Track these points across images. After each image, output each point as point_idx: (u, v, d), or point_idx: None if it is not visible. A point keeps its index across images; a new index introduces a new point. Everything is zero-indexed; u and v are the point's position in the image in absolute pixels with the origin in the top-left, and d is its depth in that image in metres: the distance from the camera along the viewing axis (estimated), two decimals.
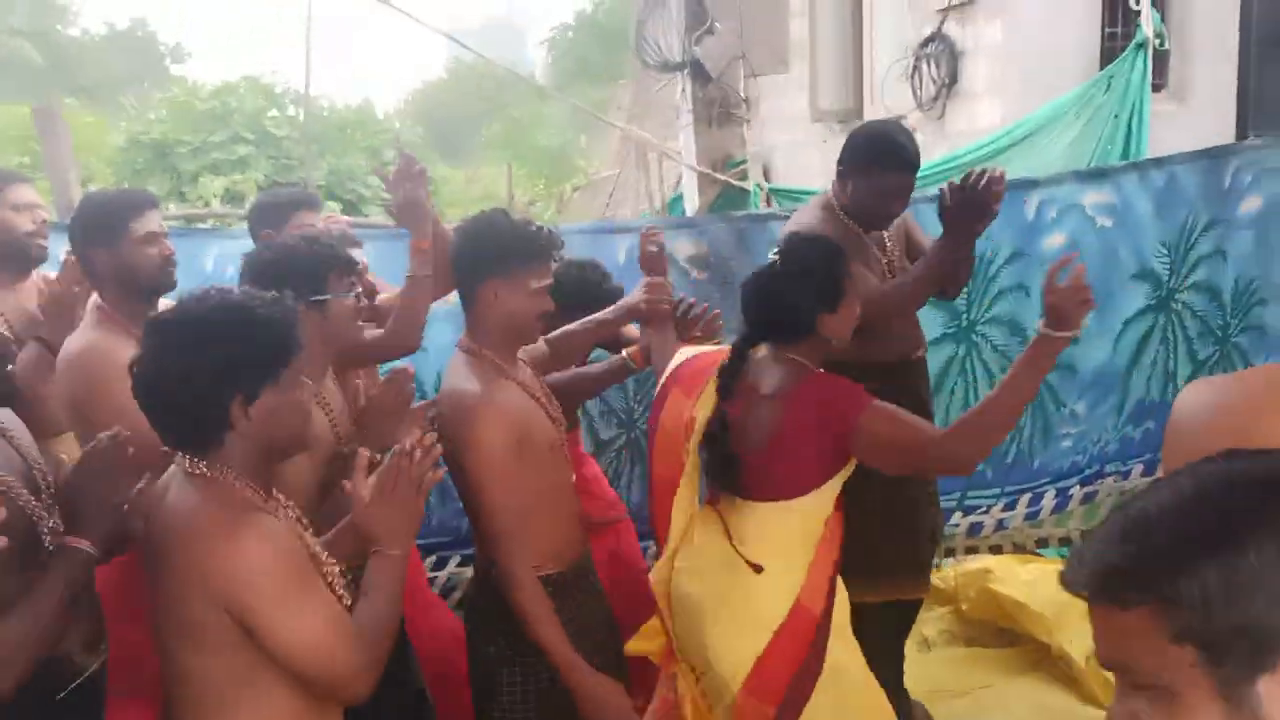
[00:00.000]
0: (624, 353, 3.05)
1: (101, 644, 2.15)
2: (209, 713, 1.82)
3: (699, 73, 3.82)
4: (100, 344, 2.62)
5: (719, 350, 2.77)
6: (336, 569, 1.91)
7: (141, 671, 2.54)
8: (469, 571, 3.57)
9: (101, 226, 2.70)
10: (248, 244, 3.70)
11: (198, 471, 1.82)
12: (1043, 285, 2.33)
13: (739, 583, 2.53)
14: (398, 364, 2.68)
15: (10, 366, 2.01)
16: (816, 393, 2.51)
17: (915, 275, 3.09)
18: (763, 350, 2.63)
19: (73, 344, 2.65)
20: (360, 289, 2.65)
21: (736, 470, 2.54)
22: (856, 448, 2.47)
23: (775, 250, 2.65)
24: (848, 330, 2.60)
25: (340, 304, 2.46)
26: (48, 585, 1.86)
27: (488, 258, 2.48)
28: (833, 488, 2.54)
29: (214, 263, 3.72)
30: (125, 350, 2.57)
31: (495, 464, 2.38)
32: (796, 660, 2.50)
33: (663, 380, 2.81)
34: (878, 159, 3.04)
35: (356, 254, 2.89)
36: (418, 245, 2.77)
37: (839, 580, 2.64)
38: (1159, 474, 4.12)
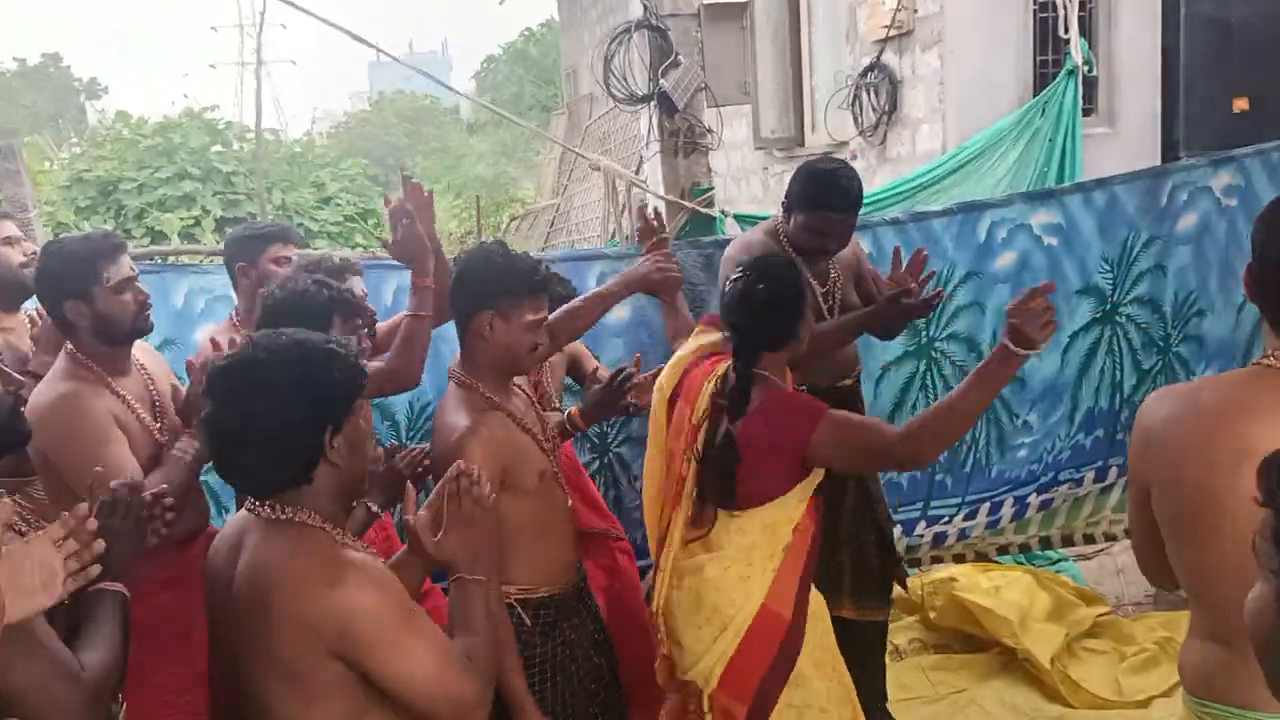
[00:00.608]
0: (564, 414, 3.10)
1: (119, 699, 2.10)
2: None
3: (665, 104, 3.94)
4: (75, 396, 2.56)
5: (719, 355, 2.86)
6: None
7: None
8: None
9: (72, 277, 2.60)
10: (216, 279, 3.74)
11: (282, 518, 1.83)
12: (1006, 306, 2.43)
13: (709, 586, 2.65)
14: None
15: (22, 408, 2.01)
16: (773, 409, 2.62)
17: (842, 326, 3.28)
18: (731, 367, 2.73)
19: (44, 395, 2.57)
20: (364, 326, 2.71)
21: (732, 485, 2.64)
22: (815, 459, 2.61)
23: (737, 272, 2.74)
24: (804, 347, 2.75)
25: None
26: (111, 623, 1.84)
27: (483, 291, 2.51)
28: (799, 495, 2.66)
29: (184, 299, 3.74)
30: (99, 401, 2.58)
31: None
32: (764, 662, 2.61)
33: (675, 374, 2.89)
34: (821, 200, 3.21)
35: (356, 282, 2.94)
36: (419, 283, 2.77)
37: (814, 593, 2.76)
38: (1119, 480, 4.35)
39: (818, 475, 2.67)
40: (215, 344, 2.53)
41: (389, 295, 3.69)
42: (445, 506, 1.93)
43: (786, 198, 3.29)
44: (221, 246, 4.00)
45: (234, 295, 3.53)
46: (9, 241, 3.20)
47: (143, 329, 2.70)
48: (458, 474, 1.94)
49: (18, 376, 2.01)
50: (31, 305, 3.16)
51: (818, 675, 2.70)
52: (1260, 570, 1.18)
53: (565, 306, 2.90)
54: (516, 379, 2.68)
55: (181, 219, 13.58)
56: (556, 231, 15.90)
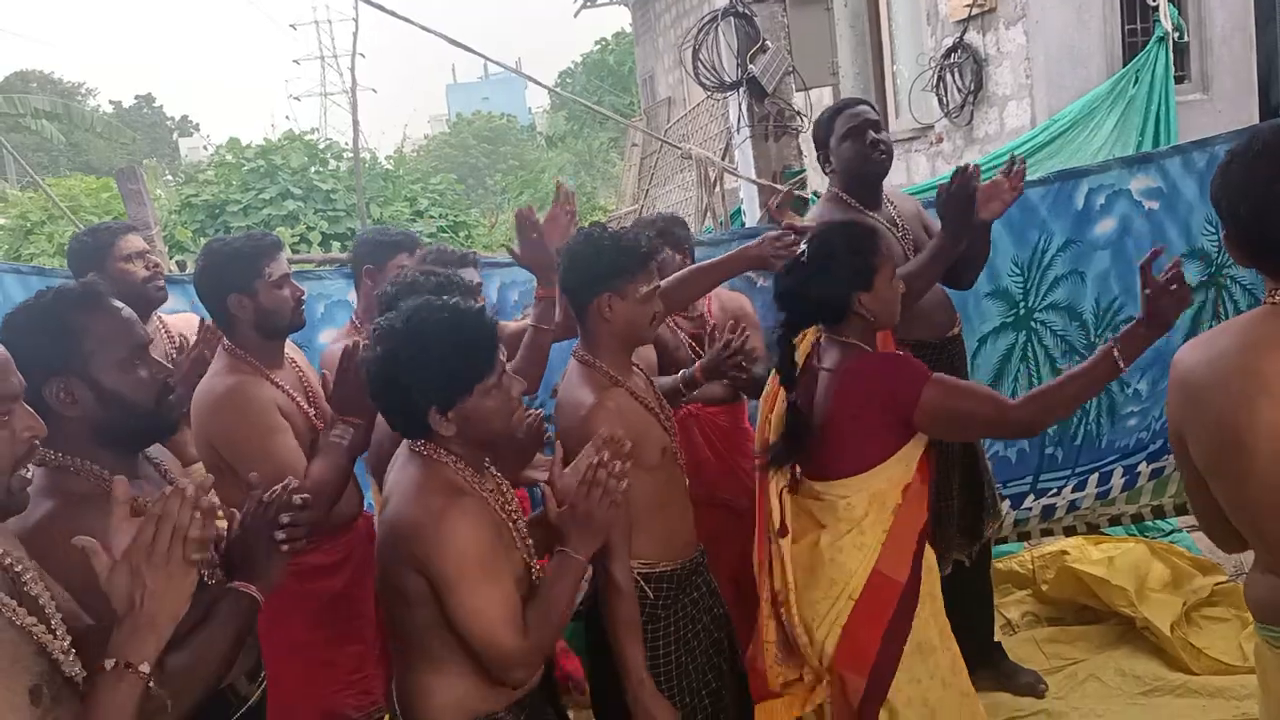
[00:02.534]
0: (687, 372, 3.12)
1: (261, 674, 2.22)
2: (414, 649, 2.10)
3: (754, 89, 4.00)
4: (242, 388, 2.70)
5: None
6: (532, 552, 2.16)
7: (299, 706, 2.67)
8: None
9: (236, 272, 2.75)
10: (331, 284, 3.89)
11: (419, 450, 2.10)
12: (1141, 286, 2.43)
13: (822, 559, 2.67)
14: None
15: (172, 398, 2.13)
16: (867, 371, 2.63)
17: (919, 263, 3.25)
18: (821, 335, 2.76)
19: (214, 387, 2.72)
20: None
21: (810, 452, 2.67)
22: (921, 424, 2.59)
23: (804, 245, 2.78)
24: (888, 306, 2.69)
25: None
26: (220, 626, 1.87)
27: (597, 274, 2.57)
28: (904, 459, 2.64)
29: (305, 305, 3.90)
30: (264, 392, 2.72)
31: None
32: (880, 626, 2.61)
33: None
34: (839, 112, 3.34)
35: (471, 273, 3.06)
36: (543, 294, 2.83)
37: (928, 551, 2.74)
38: (1170, 434, 4.26)
39: (921, 443, 2.66)
40: (346, 349, 2.64)
41: (493, 292, 3.81)
42: (582, 485, 2.07)
43: (819, 146, 3.39)
44: (332, 255, 4.16)
45: (351, 299, 3.68)
46: (130, 258, 3.30)
47: (298, 323, 2.85)
48: (607, 461, 2.08)
49: (167, 365, 2.12)
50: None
51: (943, 645, 2.70)
52: None
53: (676, 275, 2.97)
54: (637, 360, 2.73)
55: (287, 237, 14.02)
56: None
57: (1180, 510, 4.50)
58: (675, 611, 2.61)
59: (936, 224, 3.62)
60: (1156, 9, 5.89)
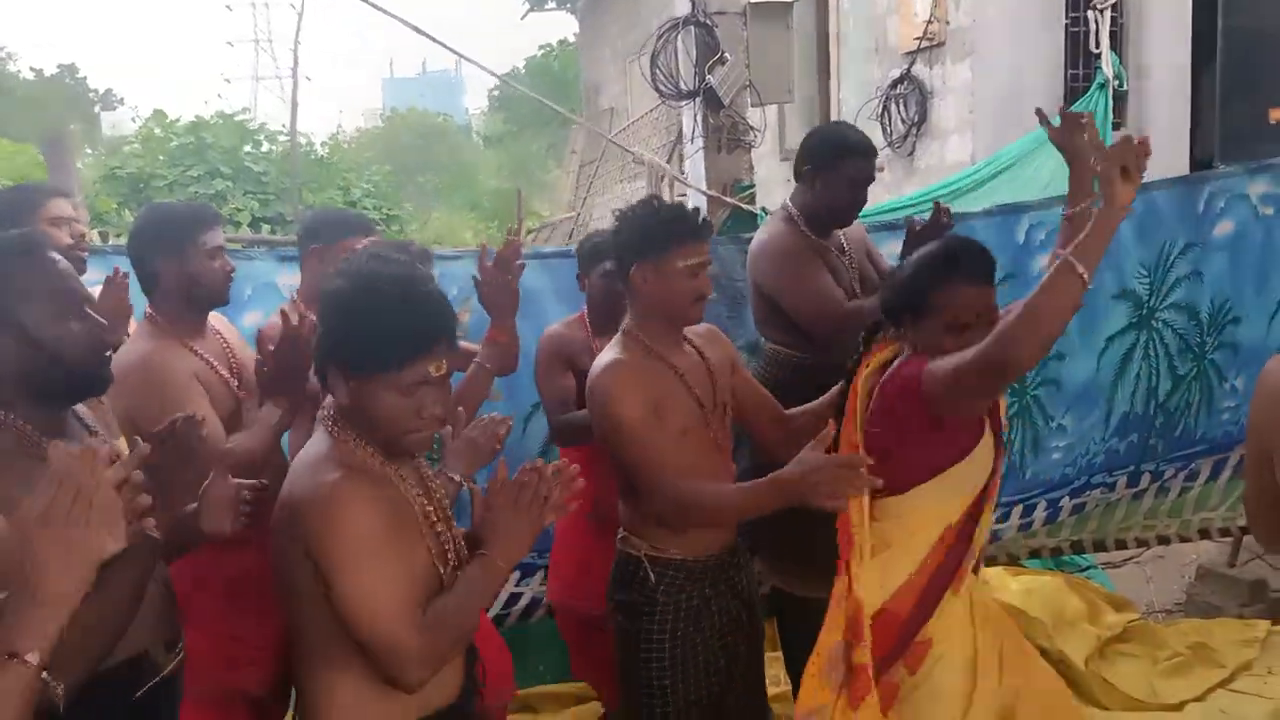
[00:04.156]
0: None
1: (179, 644, 2.17)
2: (310, 647, 1.91)
3: (711, 100, 3.98)
4: (157, 355, 2.65)
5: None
6: (455, 538, 2.00)
7: (210, 679, 2.58)
8: None
9: (170, 236, 2.72)
10: (261, 266, 3.78)
11: (327, 424, 1.95)
12: (1092, 163, 2.28)
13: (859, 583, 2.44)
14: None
15: (109, 353, 2.05)
16: (896, 373, 2.47)
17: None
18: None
19: (130, 353, 2.66)
20: None
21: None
22: (933, 402, 2.34)
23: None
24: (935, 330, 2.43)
25: None
26: (115, 571, 1.78)
27: (633, 245, 2.54)
28: (947, 486, 2.39)
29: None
30: (180, 360, 2.67)
31: (631, 421, 2.45)
32: (882, 649, 2.42)
33: None
34: (846, 150, 3.26)
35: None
36: (494, 336, 2.79)
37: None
38: (1150, 486, 4.38)
39: (963, 466, 2.39)
40: (284, 314, 2.58)
41: None
42: (510, 489, 1.93)
43: (807, 165, 3.29)
44: (262, 237, 4.05)
45: (280, 283, 3.59)
46: (56, 222, 3.21)
47: (222, 298, 2.80)
48: (543, 468, 1.95)
49: (102, 320, 2.04)
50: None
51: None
52: None
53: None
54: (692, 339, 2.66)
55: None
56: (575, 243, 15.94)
57: (1098, 546, 4.59)
58: (678, 603, 2.53)
59: (879, 250, 3.65)
60: (1099, 56, 6.03)
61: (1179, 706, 3.90)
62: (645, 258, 2.51)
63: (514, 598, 3.84)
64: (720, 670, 2.60)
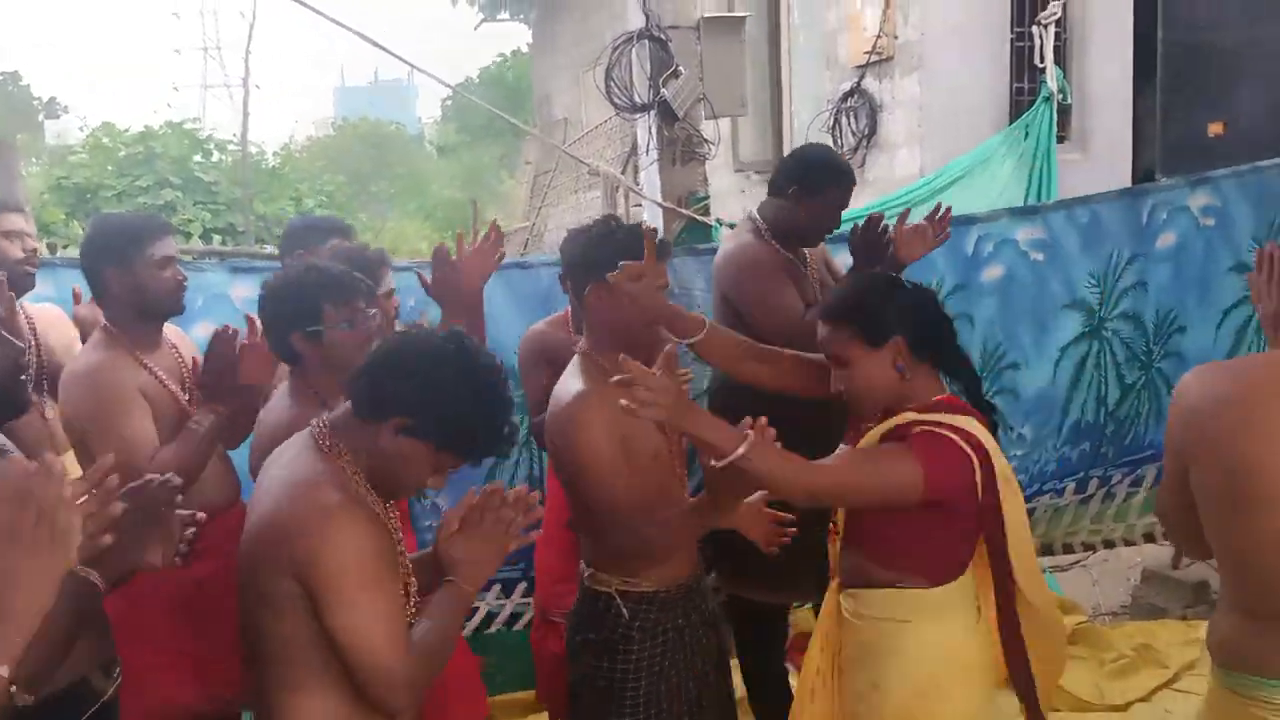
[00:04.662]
0: None
1: (116, 669, 2.15)
2: (277, 666, 1.88)
3: (665, 112, 4.02)
4: (104, 366, 2.65)
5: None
6: (414, 582, 1.99)
7: (151, 696, 2.56)
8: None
9: (118, 246, 2.71)
10: (213, 277, 3.75)
11: (325, 445, 1.91)
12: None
13: None
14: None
15: (25, 377, 2.04)
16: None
17: None
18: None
19: (78, 364, 2.69)
20: (373, 318, 2.61)
21: None
22: None
23: None
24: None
25: (336, 335, 2.49)
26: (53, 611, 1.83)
27: (584, 264, 2.49)
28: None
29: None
30: (127, 373, 2.66)
31: (598, 460, 2.36)
32: None
33: None
34: (837, 177, 3.31)
35: (387, 276, 2.98)
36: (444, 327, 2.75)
37: None
38: (1098, 491, 4.47)
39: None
40: (250, 320, 2.59)
41: None
42: (468, 514, 1.95)
43: (794, 185, 3.28)
44: (214, 248, 4.03)
45: (232, 295, 3.57)
46: (9, 235, 3.17)
47: (175, 309, 2.78)
48: (504, 491, 1.97)
49: (18, 343, 2.03)
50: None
51: None
52: None
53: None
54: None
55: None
56: (530, 254, 15.95)
57: (1046, 550, 4.66)
58: (653, 638, 2.47)
59: (838, 262, 3.69)
60: (1044, 70, 6.15)
61: (1125, 707, 3.98)
62: (596, 279, 2.44)
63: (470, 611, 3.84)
64: (693, 699, 2.55)
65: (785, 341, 3.18)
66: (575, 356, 2.53)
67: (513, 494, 1.97)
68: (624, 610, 2.44)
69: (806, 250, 3.47)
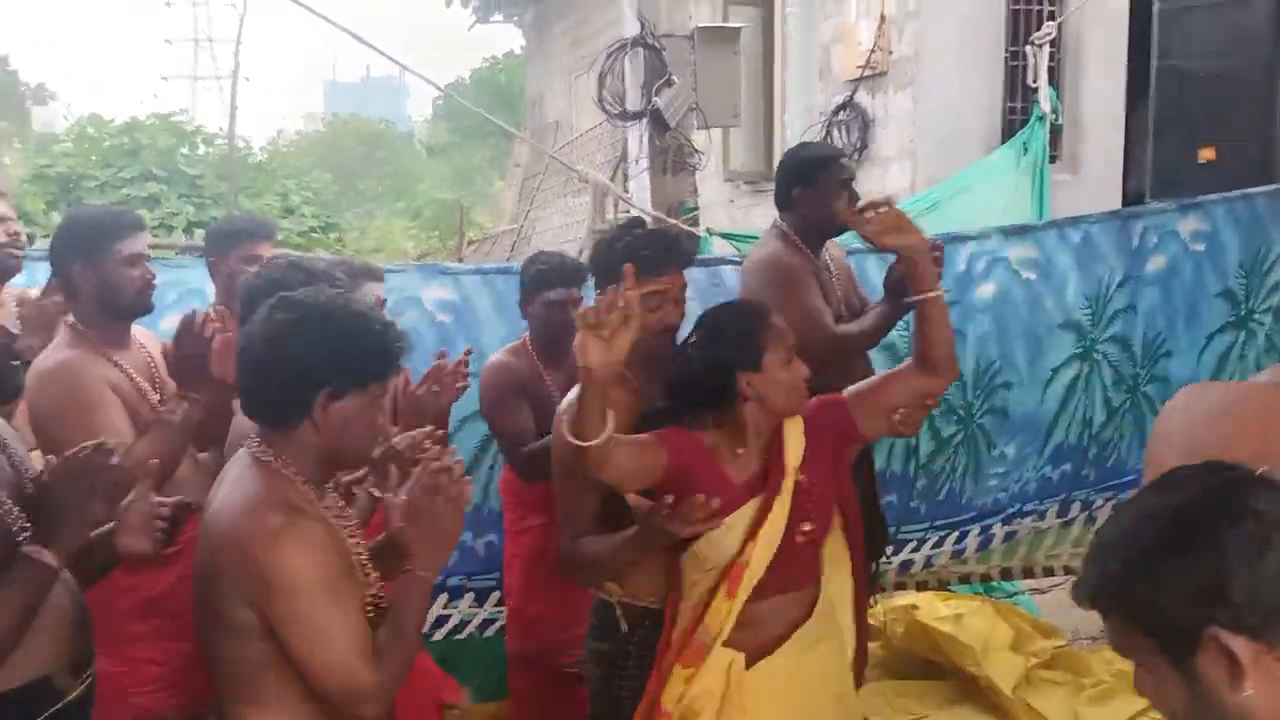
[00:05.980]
0: None
1: (88, 669, 2.09)
2: (238, 686, 1.85)
3: (657, 121, 3.99)
4: (73, 363, 2.60)
5: None
6: (377, 578, 1.94)
7: (127, 700, 2.50)
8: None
9: (87, 242, 2.67)
10: (189, 273, 3.70)
11: (264, 459, 1.86)
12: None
13: None
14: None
15: (17, 361, 2.00)
16: None
17: (867, 326, 3.29)
18: None
19: (45, 362, 2.62)
20: None
21: None
22: None
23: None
24: (774, 390, 2.28)
25: None
26: (3, 593, 1.78)
27: (596, 270, 2.49)
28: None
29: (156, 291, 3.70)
30: (98, 370, 2.61)
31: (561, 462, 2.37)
32: None
33: None
34: (824, 164, 3.32)
35: (374, 288, 2.93)
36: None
37: None
38: (1080, 515, 4.44)
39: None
40: (223, 312, 2.55)
41: None
42: (419, 497, 1.87)
43: (789, 187, 3.33)
44: (194, 243, 4.00)
45: (208, 290, 3.53)
46: None
47: (143, 307, 2.73)
48: (448, 465, 1.88)
49: (10, 330, 1.98)
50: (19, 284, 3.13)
51: None
52: None
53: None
54: None
55: (149, 221, 13.39)
56: (517, 256, 15.89)
57: (1027, 573, 4.65)
58: (650, 654, 2.41)
59: (858, 284, 3.66)
60: (1037, 90, 6.15)
61: None
62: (600, 286, 2.45)
63: (442, 620, 3.78)
64: None
65: (811, 348, 3.11)
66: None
67: (448, 460, 1.89)
68: (624, 623, 2.46)
69: (831, 259, 3.46)
